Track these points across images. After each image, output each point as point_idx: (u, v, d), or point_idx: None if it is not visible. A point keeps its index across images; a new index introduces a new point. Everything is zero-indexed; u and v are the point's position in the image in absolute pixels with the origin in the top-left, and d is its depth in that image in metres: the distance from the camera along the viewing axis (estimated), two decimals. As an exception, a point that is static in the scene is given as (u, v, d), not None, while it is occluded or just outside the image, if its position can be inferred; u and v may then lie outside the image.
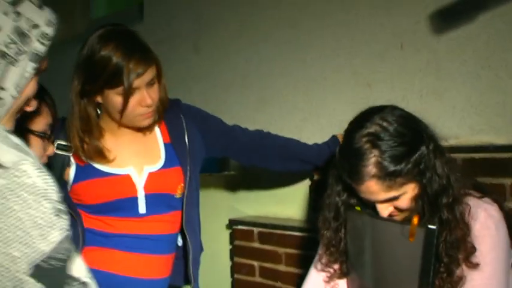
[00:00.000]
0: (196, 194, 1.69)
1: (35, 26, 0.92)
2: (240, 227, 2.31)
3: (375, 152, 1.24)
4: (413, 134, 1.28)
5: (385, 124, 1.27)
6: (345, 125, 2.01)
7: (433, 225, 1.24)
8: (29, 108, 1.02)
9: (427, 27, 1.84)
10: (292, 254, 2.13)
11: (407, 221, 1.29)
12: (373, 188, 1.26)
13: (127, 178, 1.56)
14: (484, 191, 1.36)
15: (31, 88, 0.97)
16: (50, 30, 0.94)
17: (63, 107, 1.66)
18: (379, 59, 1.98)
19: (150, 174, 1.57)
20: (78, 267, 0.84)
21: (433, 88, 1.84)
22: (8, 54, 0.89)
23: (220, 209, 2.47)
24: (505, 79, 1.69)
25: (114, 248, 1.56)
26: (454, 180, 1.29)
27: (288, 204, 2.25)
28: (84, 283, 0.84)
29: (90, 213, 1.57)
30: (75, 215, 1.55)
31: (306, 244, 2.04)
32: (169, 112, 1.65)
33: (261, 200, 2.36)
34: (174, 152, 1.62)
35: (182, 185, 1.62)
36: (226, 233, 2.40)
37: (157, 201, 1.59)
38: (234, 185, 2.47)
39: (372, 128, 1.27)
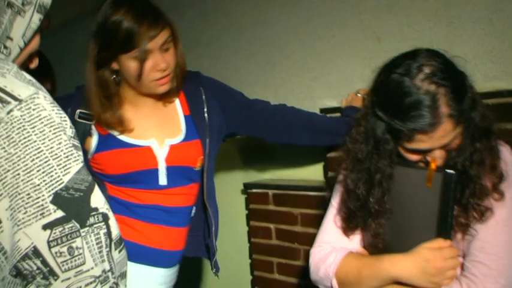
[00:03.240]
0: (213, 167, 1.69)
1: None
2: (254, 190, 2.30)
3: (442, 91, 1.17)
4: (458, 70, 1.23)
5: (435, 63, 1.19)
6: (356, 81, 1.99)
7: (451, 169, 1.21)
8: (31, 65, 1.03)
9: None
10: (308, 214, 2.12)
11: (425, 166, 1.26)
12: (447, 129, 1.18)
13: (148, 150, 1.56)
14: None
15: (35, 42, 0.99)
16: None
17: (73, 82, 1.66)
18: (387, 11, 1.93)
19: (172, 147, 1.57)
20: (97, 198, 0.87)
21: (444, 37, 1.80)
22: (15, 4, 0.91)
23: (235, 174, 2.46)
24: (519, 22, 1.64)
25: (136, 218, 1.58)
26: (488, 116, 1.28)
27: (302, 165, 2.24)
28: (102, 213, 0.86)
29: (112, 183, 1.58)
30: (99, 181, 1.55)
31: (322, 203, 2.03)
32: (189, 84, 1.64)
33: (274, 163, 2.35)
34: (194, 125, 1.61)
35: (201, 157, 1.61)
36: (242, 198, 2.40)
37: (178, 174, 1.59)
38: (247, 150, 2.46)
39: (427, 69, 1.19)
